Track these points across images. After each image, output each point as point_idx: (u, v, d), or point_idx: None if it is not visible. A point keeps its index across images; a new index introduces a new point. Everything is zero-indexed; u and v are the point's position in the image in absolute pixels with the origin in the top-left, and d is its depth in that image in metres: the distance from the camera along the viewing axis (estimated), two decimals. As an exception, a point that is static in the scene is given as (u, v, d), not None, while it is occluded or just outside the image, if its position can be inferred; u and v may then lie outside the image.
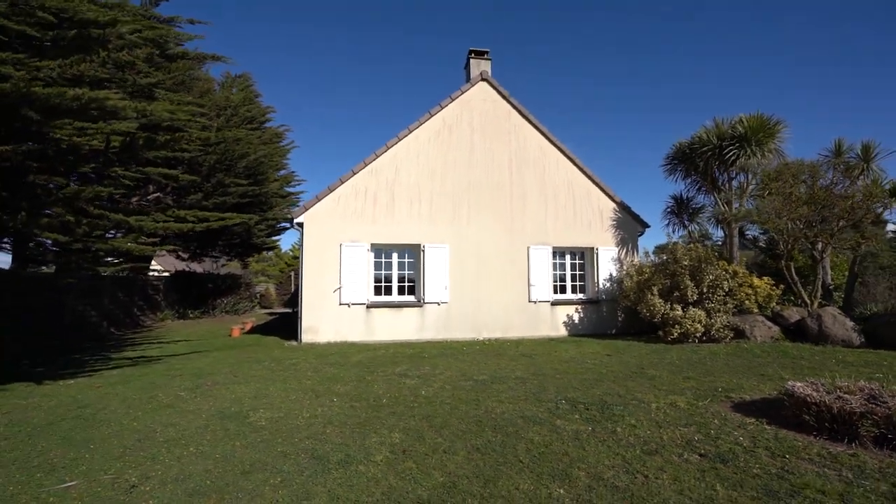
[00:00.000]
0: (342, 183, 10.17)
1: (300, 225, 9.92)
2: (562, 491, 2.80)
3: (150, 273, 19.33)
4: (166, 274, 21.35)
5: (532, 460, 3.27)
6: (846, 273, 11.33)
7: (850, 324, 8.26)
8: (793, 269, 9.71)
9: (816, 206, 9.19)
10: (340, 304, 9.91)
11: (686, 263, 9.40)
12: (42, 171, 6.88)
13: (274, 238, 20.94)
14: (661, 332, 9.22)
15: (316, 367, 6.96)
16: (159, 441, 3.78)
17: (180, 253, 19.37)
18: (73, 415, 4.60)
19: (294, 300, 20.47)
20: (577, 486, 2.86)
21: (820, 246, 9.82)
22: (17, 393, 5.64)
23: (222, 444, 3.67)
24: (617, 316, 11.26)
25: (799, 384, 4.22)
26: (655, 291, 9.38)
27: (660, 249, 12.08)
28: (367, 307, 10.06)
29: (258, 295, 23.74)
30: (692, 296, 9.15)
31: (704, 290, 9.13)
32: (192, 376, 6.40)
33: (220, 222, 11.84)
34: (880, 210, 9.59)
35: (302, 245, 9.91)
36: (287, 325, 14.32)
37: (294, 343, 9.76)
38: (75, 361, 8.11)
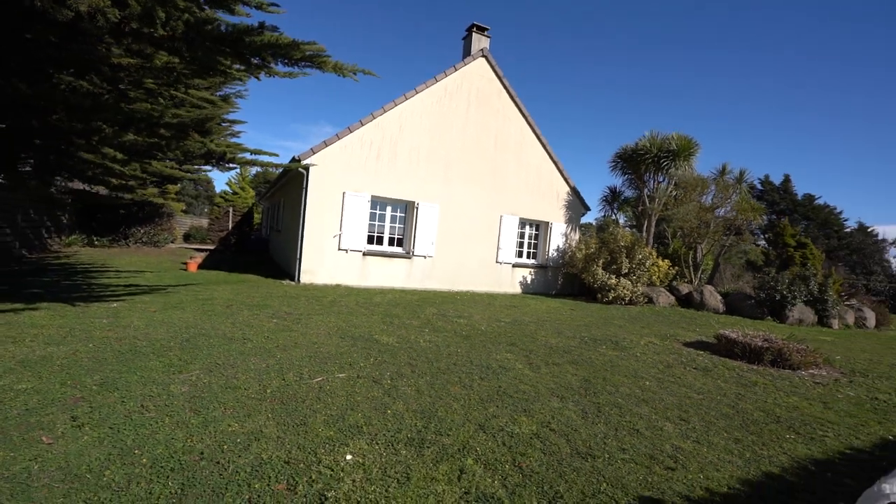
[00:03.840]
0: (350, 132, 10.43)
1: (305, 168, 10.01)
2: (648, 383, 4.65)
3: (52, 189, 16.21)
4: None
5: (612, 371, 5.08)
6: (711, 262, 15.61)
7: (719, 297, 11.95)
8: (690, 256, 13.25)
9: (708, 215, 12.65)
10: (339, 249, 10.48)
11: (622, 244, 12.16)
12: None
13: (205, 168, 19.06)
14: (598, 296, 11.94)
15: (352, 306, 7.81)
16: (324, 355, 4.63)
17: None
18: (200, 333, 4.99)
19: (237, 237, 19.26)
20: (651, 385, 4.74)
21: (703, 242, 13.50)
22: (80, 315, 5.53)
23: (397, 359, 4.71)
24: (557, 280, 13.85)
25: (726, 331, 6.79)
26: (601, 264, 12.00)
27: (600, 229, 14.90)
28: (364, 254, 10.80)
29: (186, 228, 21.46)
30: (624, 269, 11.98)
31: (633, 265, 12.02)
32: (249, 307, 6.79)
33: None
34: (742, 223, 13.54)
35: (306, 188, 10.06)
36: (243, 263, 13.99)
37: (291, 282, 10.12)
38: (60, 287, 7.53)
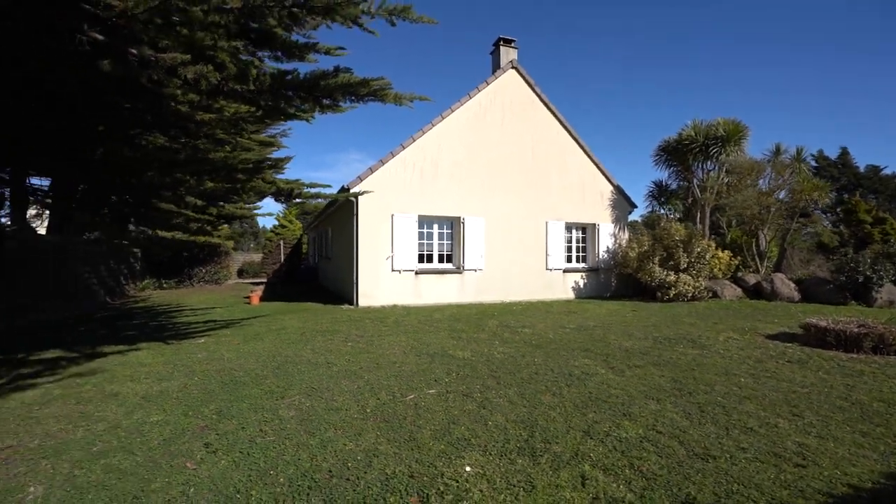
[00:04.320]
0: (393, 156, 10.79)
1: (354, 195, 10.42)
2: (743, 380, 4.44)
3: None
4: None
5: (700, 370, 4.89)
6: (775, 249, 14.73)
7: (793, 285, 11.22)
8: (753, 245, 12.59)
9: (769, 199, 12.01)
10: (392, 270, 10.75)
11: (677, 239, 11.73)
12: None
13: (252, 207, 20.18)
14: (658, 294, 11.52)
15: (416, 325, 7.96)
16: (407, 373, 4.75)
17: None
18: (286, 361, 5.25)
19: (288, 268, 20.20)
20: (747, 382, 4.52)
21: (766, 228, 12.79)
22: (177, 352, 5.96)
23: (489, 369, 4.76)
24: (611, 281, 13.50)
25: (813, 319, 6.37)
26: (656, 261, 11.61)
27: (647, 225, 14.47)
28: (416, 273, 11.01)
29: (239, 264, 22.83)
30: (683, 264, 11.52)
31: (692, 259, 11.54)
32: (321, 333, 7.08)
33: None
34: (807, 204, 12.74)
35: (357, 215, 10.44)
36: (298, 293, 14.59)
37: (349, 306, 10.44)
38: (150, 328, 8.15)
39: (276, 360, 5.36)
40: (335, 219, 13.94)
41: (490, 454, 2.85)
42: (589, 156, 13.28)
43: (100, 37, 3.00)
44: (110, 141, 4.80)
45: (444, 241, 11.74)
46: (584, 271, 13.17)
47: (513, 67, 12.33)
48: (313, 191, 7.05)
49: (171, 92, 3.62)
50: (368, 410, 3.64)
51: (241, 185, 5.45)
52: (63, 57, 3.22)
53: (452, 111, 11.47)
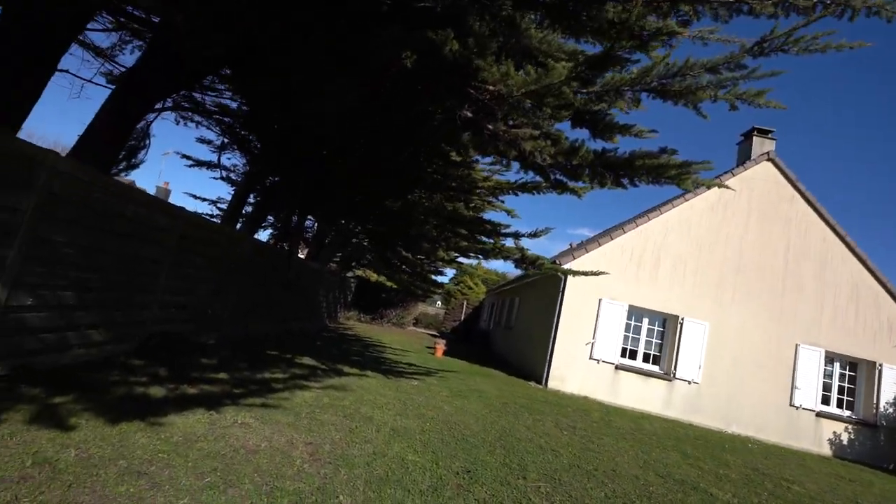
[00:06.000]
0: (611, 238, 10.31)
1: (565, 273, 10.16)
2: None
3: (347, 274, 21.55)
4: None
5: None
6: None
7: None
8: None
9: None
10: (590, 358, 9.84)
11: None
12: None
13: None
14: None
15: (629, 432, 6.83)
16: (659, 498, 3.83)
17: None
18: (504, 432, 4.96)
19: (464, 328, 21.23)
20: None
21: None
22: (398, 389, 6.35)
23: None
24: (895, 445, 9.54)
25: None
26: None
27: None
28: (616, 368, 9.83)
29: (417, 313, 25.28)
30: None
31: None
32: (525, 410, 6.66)
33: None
34: None
35: (563, 293, 10.11)
36: (476, 354, 14.73)
37: (537, 385, 9.84)
38: (368, 359, 9.11)
39: (495, 428, 5.13)
40: (529, 290, 13.88)
41: None
42: (870, 269, 10.26)
43: (469, 114, 3.62)
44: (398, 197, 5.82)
45: (652, 340, 10.31)
46: (851, 422, 9.71)
47: (768, 159, 10.77)
48: (562, 266, 6.99)
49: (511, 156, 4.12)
50: (640, 538, 2.95)
51: (492, 247, 5.84)
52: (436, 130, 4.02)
53: (685, 199, 10.47)
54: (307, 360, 6.96)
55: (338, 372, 6.57)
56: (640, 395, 9.72)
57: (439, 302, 30.79)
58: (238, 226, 8.10)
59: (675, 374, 9.77)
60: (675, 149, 3.83)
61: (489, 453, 4.13)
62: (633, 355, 10.22)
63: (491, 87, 3.23)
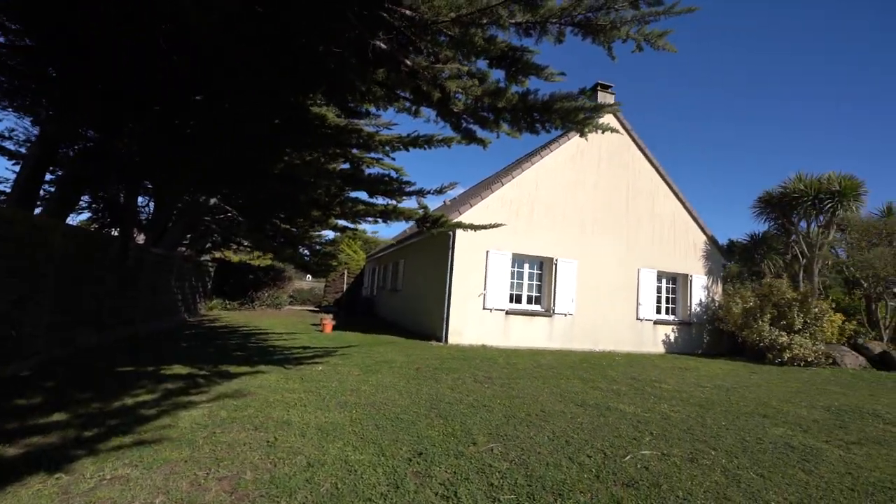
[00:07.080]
0: (492, 192, 10.64)
1: (453, 227, 10.20)
2: None
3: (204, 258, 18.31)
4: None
5: (939, 454, 4.07)
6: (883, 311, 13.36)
7: (931, 358, 9.94)
8: (878, 309, 11.44)
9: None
10: (483, 308, 10.30)
11: (790, 297, 10.78)
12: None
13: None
14: (769, 356, 10.45)
15: (530, 368, 7.38)
16: (589, 427, 4.18)
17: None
18: (434, 399, 4.81)
19: (348, 299, 20.16)
20: None
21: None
22: (305, 378, 5.64)
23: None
24: (703, 337, 12.49)
25: None
26: (766, 319, 10.65)
27: (725, 279, 13.56)
28: (506, 313, 10.51)
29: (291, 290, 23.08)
30: (797, 325, 10.50)
31: (808, 320, 10.52)
32: (440, 371, 6.62)
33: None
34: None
35: (453, 249, 10.21)
36: (365, 323, 14.30)
37: (438, 343, 9.97)
38: (252, 350, 7.96)
39: (422, 397, 4.92)
40: (416, 251, 13.74)
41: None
42: (683, 204, 12.74)
43: (383, 45, 2.93)
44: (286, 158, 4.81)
45: (533, 283, 11.26)
46: (675, 324, 12.28)
47: (610, 112, 12.19)
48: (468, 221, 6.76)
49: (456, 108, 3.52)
50: (594, 472, 3.10)
51: (394, 209, 5.33)
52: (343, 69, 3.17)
53: (550, 150, 11.34)
54: (178, 369, 5.67)
55: (223, 375, 5.51)
56: (527, 334, 10.64)
57: (309, 276, 28.73)
58: (36, 211, 5.91)
59: (554, 310, 10.92)
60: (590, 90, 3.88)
61: (429, 427, 3.90)
62: (518, 299, 11.04)
63: (409, 12, 2.67)
